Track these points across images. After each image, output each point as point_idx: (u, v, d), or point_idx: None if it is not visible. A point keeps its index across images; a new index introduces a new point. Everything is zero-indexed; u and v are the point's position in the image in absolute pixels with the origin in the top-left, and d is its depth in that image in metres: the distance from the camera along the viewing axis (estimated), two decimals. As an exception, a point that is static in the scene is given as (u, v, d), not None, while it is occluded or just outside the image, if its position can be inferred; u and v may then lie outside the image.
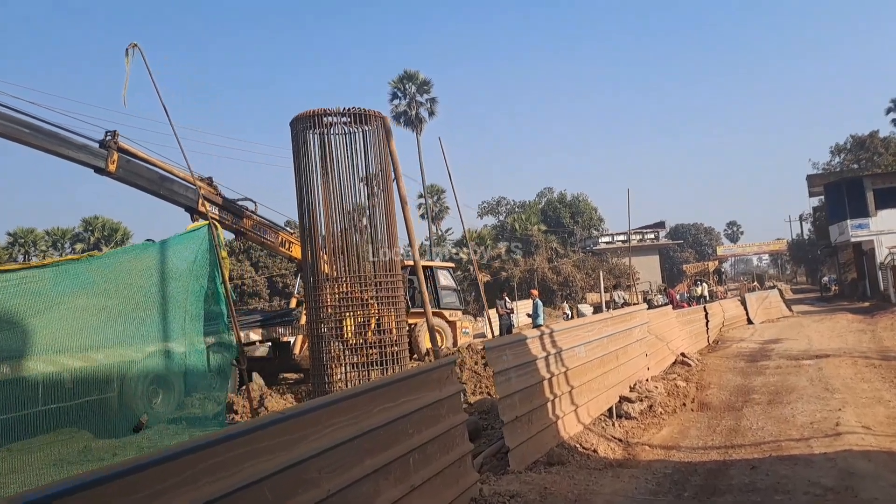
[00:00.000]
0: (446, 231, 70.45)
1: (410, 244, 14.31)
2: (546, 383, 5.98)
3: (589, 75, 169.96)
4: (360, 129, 12.25)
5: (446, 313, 17.71)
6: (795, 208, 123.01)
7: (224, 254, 7.07)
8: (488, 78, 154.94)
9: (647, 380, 9.23)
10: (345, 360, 11.13)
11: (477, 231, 55.82)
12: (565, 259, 54.90)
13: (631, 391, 8.26)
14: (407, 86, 57.10)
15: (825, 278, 56.02)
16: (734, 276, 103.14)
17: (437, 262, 21.36)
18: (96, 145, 10.85)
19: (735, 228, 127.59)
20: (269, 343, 13.24)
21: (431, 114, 58.05)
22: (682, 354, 13.02)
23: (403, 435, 3.81)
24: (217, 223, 12.89)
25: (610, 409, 7.58)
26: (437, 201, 72.62)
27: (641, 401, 8.00)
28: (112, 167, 10.78)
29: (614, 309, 27.54)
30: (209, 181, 12.55)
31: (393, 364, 11.33)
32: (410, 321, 17.41)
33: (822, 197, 45.86)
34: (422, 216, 62.08)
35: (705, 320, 17.40)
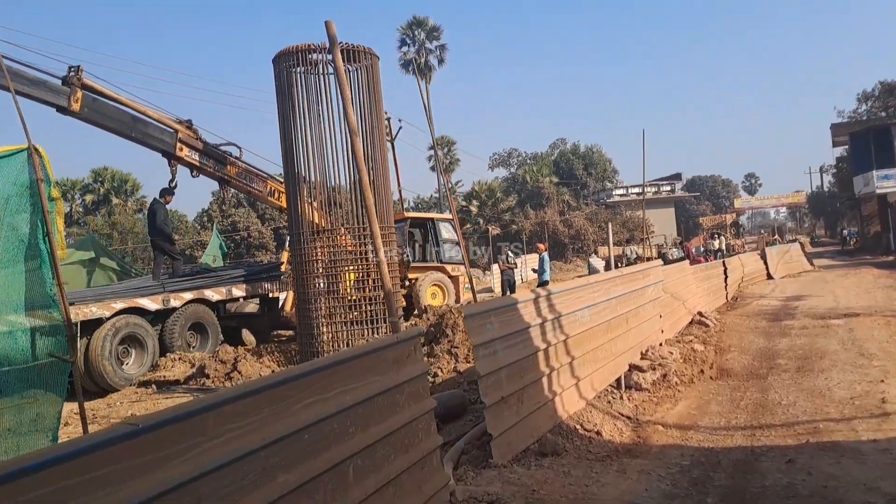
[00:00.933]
0: (456, 183, 69.19)
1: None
2: (541, 354, 5.03)
3: (605, 23, 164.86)
4: (352, 67, 11.15)
5: (448, 268, 16.78)
6: (816, 160, 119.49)
7: (55, 193, 4.97)
8: (501, 25, 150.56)
9: (660, 344, 8.28)
10: (340, 317, 10.28)
11: (487, 183, 54.48)
12: (577, 212, 53.62)
13: (642, 358, 7.32)
14: (416, 32, 55.13)
15: (845, 231, 54.47)
16: (751, 230, 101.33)
17: (437, 214, 20.35)
18: (58, 82, 9.83)
19: (753, 181, 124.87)
20: (258, 299, 12.38)
21: (441, 62, 56.33)
22: (700, 314, 12.04)
23: (340, 436, 2.88)
24: (199, 170, 11.98)
25: (618, 380, 6.65)
26: (447, 153, 71.15)
27: (654, 369, 7.06)
28: (75, 106, 9.77)
29: (626, 265, 26.47)
30: (188, 124, 11.52)
31: (383, 323, 10.46)
32: (411, 276, 16.53)
33: (847, 147, 44.02)
34: (431, 168, 60.80)
35: (724, 276, 16.35)
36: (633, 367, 6.94)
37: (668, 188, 73.90)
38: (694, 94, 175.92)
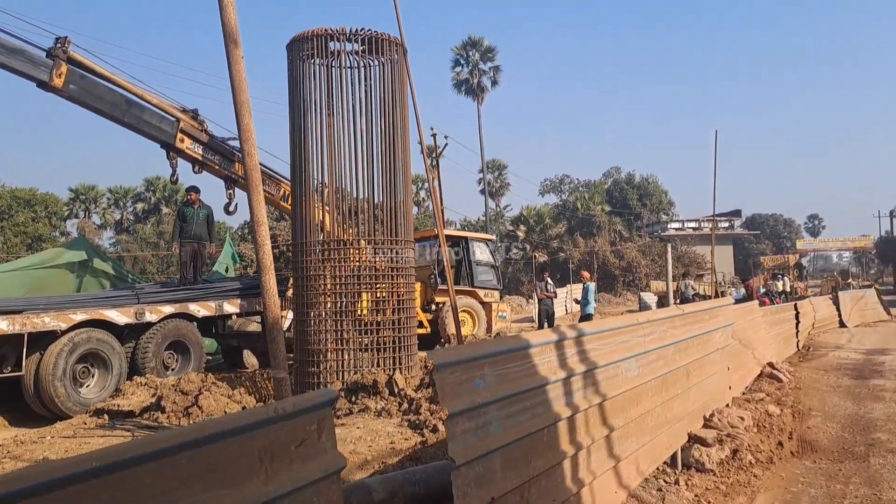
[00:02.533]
0: (505, 207, 67.66)
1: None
2: (563, 426, 3.42)
3: (669, 50, 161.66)
4: (377, 61, 9.81)
5: (480, 293, 15.19)
6: (883, 204, 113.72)
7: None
8: (558, 48, 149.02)
9: (727, 405, 6.51)
10: (351, 343, 8.78)
11: (536, 208, 52.73)
12: (630, 243, 51.32)
13: (706, 425, 5.59)
14: (470, 53, 54.15)
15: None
16: (812, 273, 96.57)
17: (473, 233, 18.81)
18: (42, 54, 8.75)
19: (816, 222, 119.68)
20: (259, 317, 10.99)
21: (494, 83, 55.07)
22: (770, 365, 10.14)
23: None
24: (202, 165, 10.76)
25: (673, 456, 4.94)
26: (498, 176, 69.77)
27: (722, 442, 5.32)
28: (58, 81, 8.63)
29: (682, 302, 24.32)
30: (193, 113, 10.33)
31: (400, 351, 8.93)
32: (438, 300, 15.00)
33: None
34: (481, 191, 59.38)
35: (795, 321, 14.29)
36: (694, 439, 5.22)
37: (727, 224, 70.98)
38: (758, 129, 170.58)
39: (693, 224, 67.22)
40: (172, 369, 8.95)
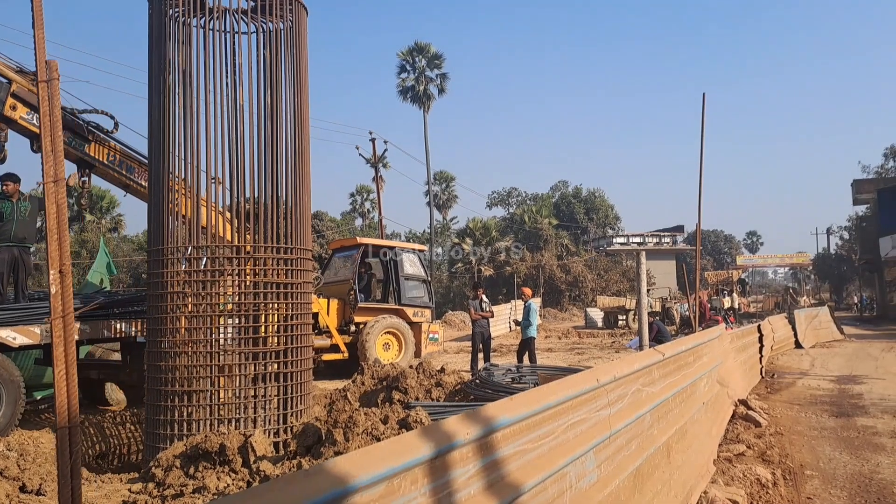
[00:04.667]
0: (451, 220, 66.04)
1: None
2: None
3: (615, 66, 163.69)
4: (266, 24, 7.78)
5: (409, 311, 13.19)
6: (821, 221, 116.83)
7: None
8: (506, 58, 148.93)
9: (712, 481, 4.68)
10: (211, 382, 6.61)
11: (482, 220, 51.15)
12: (576, 257, 50.22)
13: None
14: (417, 59, 52.39)
15: (858, 296, 51.18)
16: (751, 288, 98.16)
17: (401, 242, 16.83)
18: None
19: (755, 239, 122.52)
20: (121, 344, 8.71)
21: (441, 91, 53.40)
22: (743, 403, 8.46)
23: None
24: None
25: None
26: (445, 188, 68.15)
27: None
28: None
29: (628, 323, 22.70)
30: (34, 77, 8.05)
31: (288, 391, 6.85)
32: (358, 319, 12.95)
33: (869, 206, 40.90)
34: (427, 203, 57.54)
35: (759, 344, 12.80)
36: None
37: (669, 240, 71.25)
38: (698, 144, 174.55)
39: (638, 239, 67.10)
40: None
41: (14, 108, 7.76)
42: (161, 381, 6.65)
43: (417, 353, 13.08)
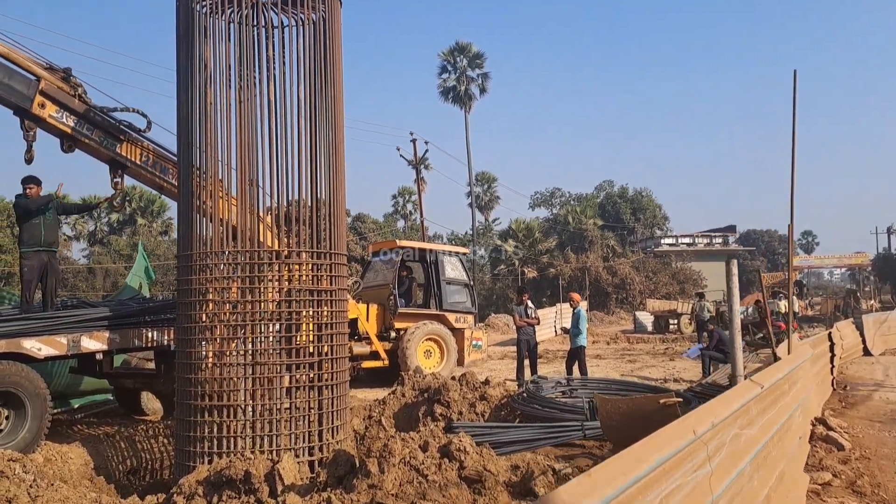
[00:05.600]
0: (493, 221, 65.33)
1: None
2: None
3: (664, 60, 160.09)
4: (297, 18, 7.34)
5: (451, 317, 12.65)
6: (882, 221, 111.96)
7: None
8: (548, 55, 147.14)
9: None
10: (248, 396, 6.17)
11: (525, 221, 50.35)
12: (623, 259, 48.96)
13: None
14: (458, 59, 51.92)
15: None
16: (809, 291, 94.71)
17: (442, 245, 16.30)
18: None
19: (810, 239, 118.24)
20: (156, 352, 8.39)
21: (483, 90, 52.85)
22: (821, 422, 7.66)
23: None
24: (74, 141, 8.18)
25: None
26: (487, 189, 67.48)
27: None
28: None
29: (697, 327, 21.67)
30: (64, 74, 7.78)
31: (322, 407, 6.40)
32: (399, 325, 12.47)
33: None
34: (469, 205, 57.01)
35: (830, 354, 11.86)
36: None
37: (721, 240, 69.13)
38: (752, 145, 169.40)
39: (687, 240, 65.20)
40: (0, 430, 6.36)
41: (42, 105, 7.50)
42: (190, 394, 6.28)
43: (460, 361, 12.54)
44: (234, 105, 6.69)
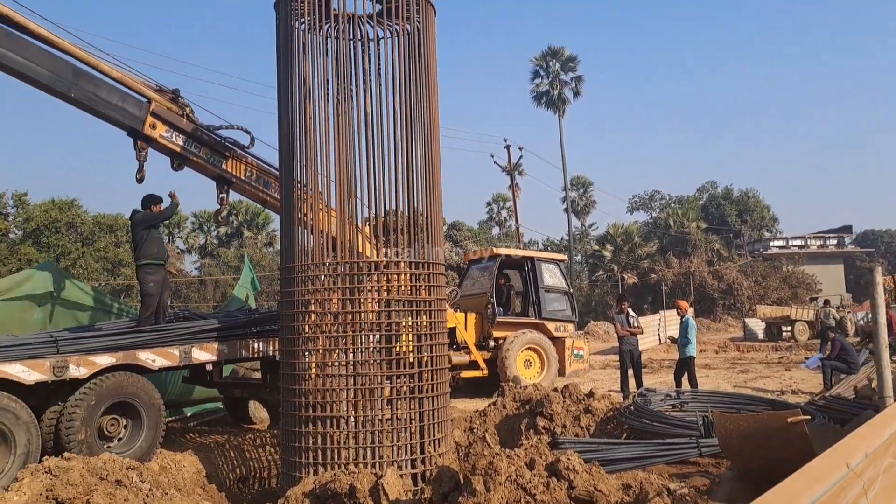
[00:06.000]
0: (590, 226, 63.97)
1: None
2: None
3: (773, 51, 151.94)
4: (391, 28, 7.36)
5: (550, 326, 12.35)
6: None
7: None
8: (645, 53, 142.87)
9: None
10: (355, 408, 6.18)
11: (623, 226, 49.01)
12: (729, 263, 46.69)
13: None
14: (550, 63, 51.37)
15: None
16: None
17: (541, 252, 15.98)
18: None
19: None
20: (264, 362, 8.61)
21: (576, 94, 52.01)
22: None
23: None
24: (183, 159, 8.55)
25: None
26: (582, 194, 66.22)
27: None
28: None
29: (821, 334, 20.20)
30: (173, 95, 8.17)
31: (423, 419, 6.33)
32: (498, 334, 12.30)
33: None
34: (564, 210, 56.17)
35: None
36: None
37: (835, 241, 64.62)
38: (871, 139, 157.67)
39: (798, 241, 61.32)
40: (119, 439, 6.67)
41: (153, 126, 7.88)
42: (295, 405, 6.36)
43: (561, 372, 12.22)
44: (332, 118, 6.79)
